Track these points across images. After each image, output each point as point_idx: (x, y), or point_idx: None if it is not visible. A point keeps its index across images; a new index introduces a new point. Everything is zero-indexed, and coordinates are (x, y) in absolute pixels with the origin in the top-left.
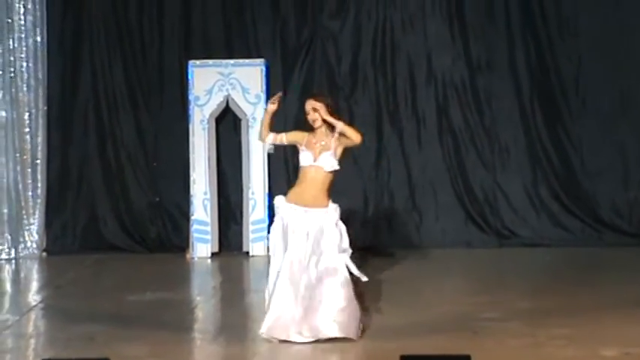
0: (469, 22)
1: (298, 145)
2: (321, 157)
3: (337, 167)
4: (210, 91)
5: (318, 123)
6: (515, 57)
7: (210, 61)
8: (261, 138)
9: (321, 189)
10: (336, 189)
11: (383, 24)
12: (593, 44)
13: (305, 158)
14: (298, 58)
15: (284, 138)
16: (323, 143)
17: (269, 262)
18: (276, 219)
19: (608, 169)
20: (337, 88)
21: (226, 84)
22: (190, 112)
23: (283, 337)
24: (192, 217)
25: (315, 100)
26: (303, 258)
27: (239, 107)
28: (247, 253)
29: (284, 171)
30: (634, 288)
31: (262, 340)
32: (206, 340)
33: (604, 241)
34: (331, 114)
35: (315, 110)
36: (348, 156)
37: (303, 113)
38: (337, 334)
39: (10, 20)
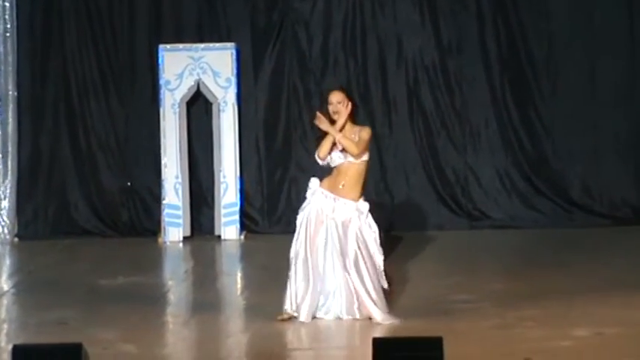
0: (439, 5)
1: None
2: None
3: (367, 157)
4: (180, 75)
5: (337, 116)
6: (485, 39)
7: (181, 45)
8: (321, 156)
9: (354, 182)
10: (308, 172)
11: (353, 7)
12: (563, 26)
13: (335, 158)
14: (269, 42)
15: (327, 151)
16: (353, 137)
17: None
18: (306, 201)
19: (579, 150)
20: (308, 71)
21: (197, 68)
22: (161, 96)
23: (303, 319)
24: (164, 201)
25: (342, 92)
26: (326, 243)
27: (210, 91)
28: (219, 236)
29: (255, 154)
30: (605, 268)
31: (234, 322)
32: (178, 323)
33: (575, 222)
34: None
35: (340, 102)
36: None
37: (274, 98)
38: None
39: None
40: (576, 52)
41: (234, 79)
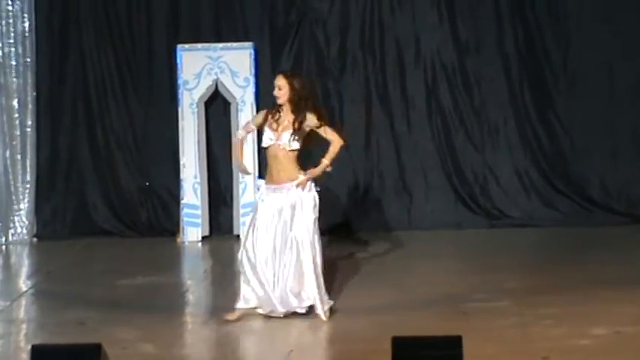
0: (457, 4)
1: (262, 125)
2: (282, 136)
3: (297, 147)
4: (199, 75)
5: (281, 100)
6: (503, 39)
7: (199, 45)
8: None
9: (288, 164)
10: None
11: (371, 6)
12: (581, 25)
13: (266, 138)
14: (287, 41)
15: (251, 125)
16: (286, 122)
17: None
18: (257, 202)
19: (597, 149)
20: (326, 70)
21: (215, 68)
22: (179, 96)
23: (260, 312)
24: (183, 201)
25: (286, 77)
26: (273, 236)
27: (228, 91)
28: (238, 236)
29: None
30: (624, 267)
31: (253, 321)
32: (197, 323)
33: (594, 221)
34: (298, 99)
35: (281, 88)
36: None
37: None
38: (302, 310)
39: None
40: (594, 50)
41: (252, 79)
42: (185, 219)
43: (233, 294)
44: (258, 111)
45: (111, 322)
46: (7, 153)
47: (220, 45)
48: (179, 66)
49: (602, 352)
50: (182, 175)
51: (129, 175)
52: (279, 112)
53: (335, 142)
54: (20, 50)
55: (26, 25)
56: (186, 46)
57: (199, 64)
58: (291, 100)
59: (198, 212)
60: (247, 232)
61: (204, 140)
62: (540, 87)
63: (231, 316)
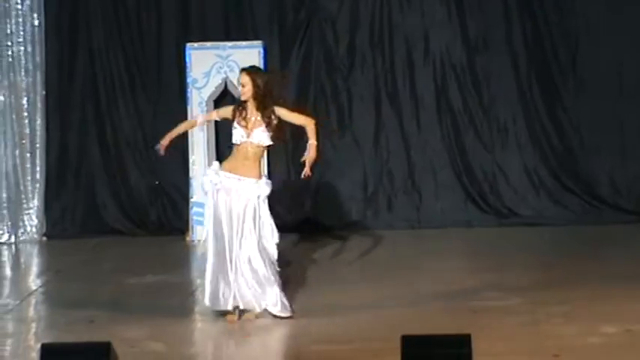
0: (466, 2)
1: (230, 122)
2: (253, 133)
3: (269, 142)
4: (208, 74)
5: (245, 97)
6: (512, 36)
7: (208, 44)
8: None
9: (254, 162)
10: (336, 169)
11: (380, 4)
12: (590, 22)
13: (238, 135)
14: (296, 40)
15: (214, 115)
16: (253, 119)
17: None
18: (210, 186)
19: (606, 147)
20: (335, 68)
21: (224, 66)
22: (189, 94)
23: (223, 309)
24: (192, 200)
25: (249, 74)
26: (235, 231)
27: (237, 89)
28: None
29: (282, 152)
30: (634, 265)
31: (261, 321)
32: (206, 322)
33: (604, 219)
34: (263, 96)
35: (244, 85)
36: (347, 135)
37: (302, 96)
38: (258, 309)
39: (7, 4)
40: (603, 48)
41: None
42: (194, 218)
43: None
44: None
45: (120, 321)
46: (17, 152)
47: (229, 44)
48: (188, 64)
49: (612, 350)
50: (191, 174)
51: (138, 173)
52: (245, 110)
53: (309, 123)
54: (29, 49)
55: (36, 23)
56: (196, 44)
57: (208, 63)
58: (255, 97)
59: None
60: (210, 222)
61: (213, 139)
62: (549, 84)
63: (230, 319)
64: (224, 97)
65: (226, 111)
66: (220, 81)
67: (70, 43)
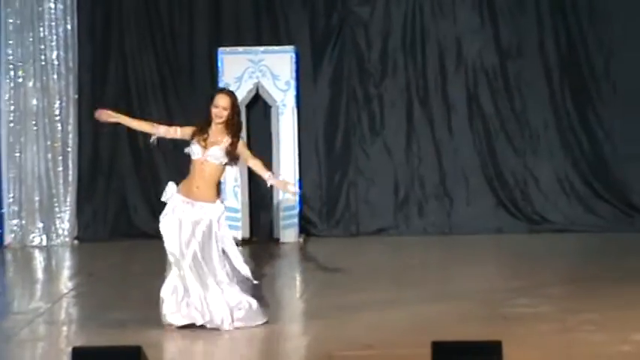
0: (499, 8)
1: (189, 139)
2: (210, 150)
3: (224, 161)
4: (240, 79)
5: (220, 120)
6: (544, 42)
7: (240, 49)
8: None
9: (209, 184)
10: (367, 175)
11: (413, 9)
12: (623, 28)
13: (194, 151)
14: (328, 45)
15: (178, 131)
16: (212, 140)
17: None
18: (167, 206)
19: (638, 154)
20: (367, 74)
21: (256, 71)
22: None
23: (182, 323)
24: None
25: (230, 98)
26: (192, 249)
27: (269, 94)
28: (278, 239)
29: (314, 157)
30: None
31: (293, 325)
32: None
33: (636, 227)
34: (236, 122)
35: (225, 109)
36: (378, 142)
37: (333, 101)
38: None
39: (40, 8)
40: (636, 54)
41: (293, 83)
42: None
43: (272, 296)
44: (299, 114)
45: (151, 324)
46: (49, 155)
47: (261, 48)
48: (220, 69)
49: None
50: (222, 179)
51: (169, 177)
52: (207, 133)
53: (258, 162)
54: (62, 52)
55: (68, 27)
56: (228, 49)
57: (240, 68)
58: (227, 121)
59: (238, 215)
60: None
61: None
62: (581, 90)
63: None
64: (256, 101)
65: (188, 131)
66: (252, 86)
67: (102, 47)
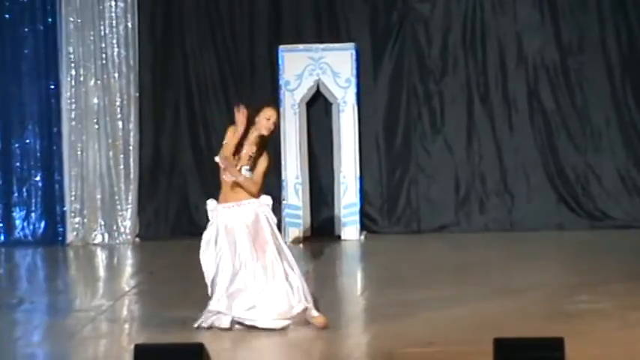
0: (559, 4)
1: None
2: (241, 170)
3: (249, 176)
4: (300, 76)
5: (269, 133)
6: (606, 39)
7: (301, 46)
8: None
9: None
10: (428, 173)
11: (473, 6)
12: None
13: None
14: (388, 42)
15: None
16: (243, 153)
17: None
18: (210, 222)
19: None
20: (427, 71)
21: (317, 68)
22: (281, 96)
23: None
24: (284, 202)
25: (277, 114)
26: (243, 250)
27: (330, 91)
28: (339, 236)
29: (375, 154)
30: None
31: (354, 322)
32: (298, 324)
33: None
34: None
35: (275, 125)
36: (439, 139)
37: (394, 98)
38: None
39: (101, 7)
40: None
41: (353, 80)
42: (287, 219)
43: (334, 293)
44: (360, 111)
45: None
46: (111, 153)
47: (322, 46)
48: (281, 67)
49: None
50: (284, 176)
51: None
52: (243, 143)
53: (254, 182)
54: (123, 51)
55: (129, 25)
56: (288, 46)
57: (301, 65)
58: (265, 136)
59: (300, 213)
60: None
61: (305, 141)
62: None
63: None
64: (316, 99)
65: (231, 146)
66: (313, 83)
67: (163, 45)
